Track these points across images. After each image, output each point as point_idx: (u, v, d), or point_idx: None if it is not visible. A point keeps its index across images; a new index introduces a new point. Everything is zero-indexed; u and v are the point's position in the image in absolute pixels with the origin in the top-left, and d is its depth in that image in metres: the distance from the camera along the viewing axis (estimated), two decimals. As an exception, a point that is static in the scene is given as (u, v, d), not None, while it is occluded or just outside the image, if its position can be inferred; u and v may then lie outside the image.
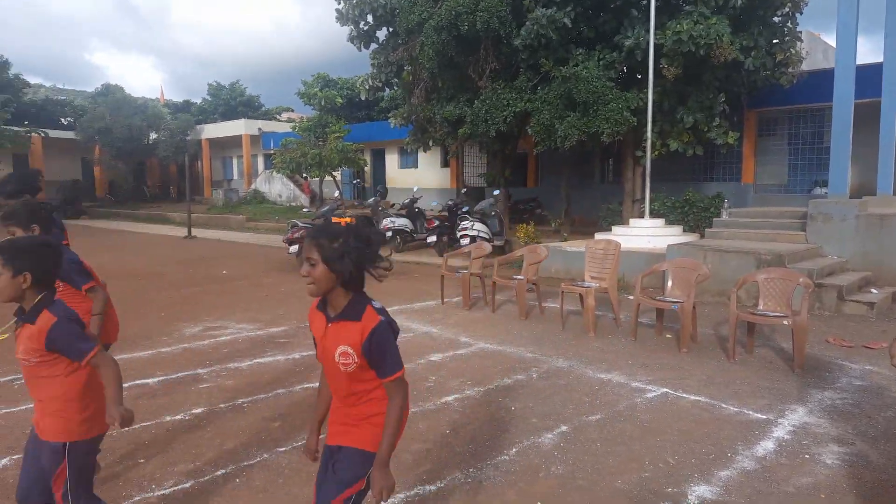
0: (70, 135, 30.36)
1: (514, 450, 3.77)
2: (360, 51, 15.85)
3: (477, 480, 3.39)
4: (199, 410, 4.47)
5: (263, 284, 10.21)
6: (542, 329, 6.88)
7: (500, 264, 8.04)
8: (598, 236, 10.44)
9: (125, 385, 5.05)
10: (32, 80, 40.10)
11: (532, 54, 12.38)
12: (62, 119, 33.89)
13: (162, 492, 3.30)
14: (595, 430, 4.06)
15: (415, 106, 15.14)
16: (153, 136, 29.95)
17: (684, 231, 11.54)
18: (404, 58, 14.42)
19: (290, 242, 11.78)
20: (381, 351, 2.07)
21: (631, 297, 7.23)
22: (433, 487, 3.32)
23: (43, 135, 28.67)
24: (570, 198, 15.63)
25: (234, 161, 32.95)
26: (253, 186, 28.64)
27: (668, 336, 6.49)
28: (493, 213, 13.03)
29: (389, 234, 14.00)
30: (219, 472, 3.51)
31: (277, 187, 27.37)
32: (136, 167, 32.35)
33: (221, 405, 4.58)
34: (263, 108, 41.02)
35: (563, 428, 4.09)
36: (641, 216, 11.51)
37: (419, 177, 22.95)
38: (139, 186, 32.54)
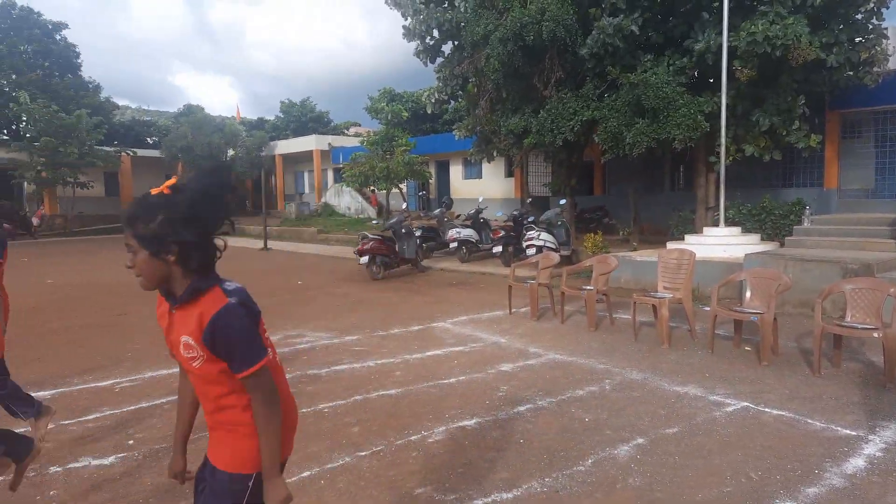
0: (155, 153, 32.36)
1: (590, 461, 3.77)
2: (426, 65, 16.17)
3: (553, 490, 3.42)
4: (282, 415, 4.70)
5: (336, 294, 10.55)
6: (613, 340, 6.81)
7: (569, 274, 8.01)
8: (669, 245, 10.22)
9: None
10: (120, 102, 42.97)
11: (598, 62, 12.29)
12: (148, 138, 36.18)
13: (253, 490, 3.50)
14: (672, 443, 4.00)
15: (479, 117, 15.30)
16: (230, 152, 31.50)
17: (762, 240, 11.11)
18: (469, 70, 14.61)
19: (361, 254, 12.14)
20: (228, 340, 1.67)
21: (706, 308, 7.05)
22: (510, 495, 3.37)
23: (131, 154, 30.66)
24: (638, 206, 15.32)
25: (306, 175, 34.15)
26: (323, 200, 29.58)
27: (747, 349, 6.28)
28: (559, 223, 12.97)
29: (455, 244, 14.17)
30: (304, 474, 3.70)
31: (346, 200, 28.15)
32: (215, 183, 34.01)
33: (304, 409, 4.79)
34: (332, 124, 42.38)
35: (639, 440, 4.06)
36: (715, 224, 11.16)
37: (483, 187, 23.09)
38: (217, 201, 34.19)
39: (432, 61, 16.11)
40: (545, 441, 4.09)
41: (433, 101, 16.99)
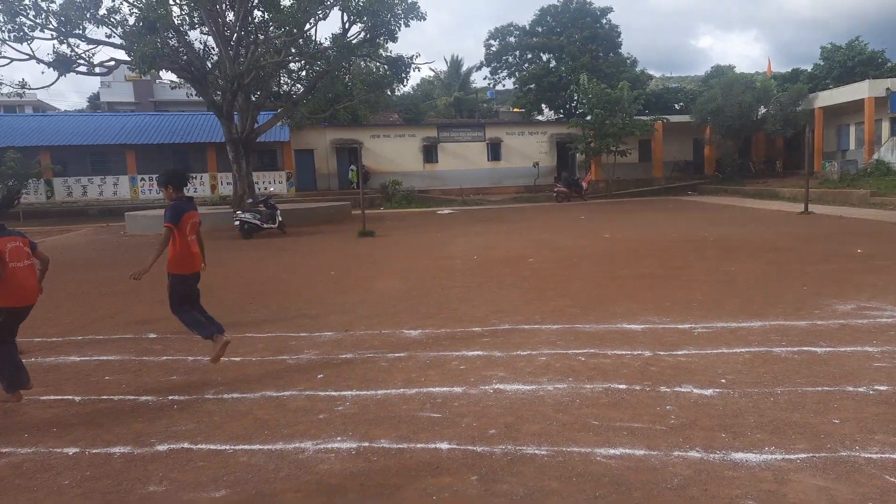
0: (685, 118, 33.29)
1: None
2: None
3: None
4: (884, 388, 4.32)
5: (917, 268, 8.87)
6: None
7: None
8: None
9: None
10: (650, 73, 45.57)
11: None
12: (675, 104, 37.51)
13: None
14: None
15: None
16: (761, 110, 29.76)
17: None
18: None
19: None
20: None
21: None
22: None
23: (664, 121, 32.43)
24: None
25: (851, 129, 29.45)
26: (875, 156, 24.97)
27: None
28: None
29: None
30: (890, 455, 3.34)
31: (910, 156, 23.01)
32: (742, 144, 32.85)
33: (882, 387, 4.29)
34: (888, 65, 34.78)
35: None
36: None
37: None
38: (744, 162, 32.95)
39: None
40: None
41: None
